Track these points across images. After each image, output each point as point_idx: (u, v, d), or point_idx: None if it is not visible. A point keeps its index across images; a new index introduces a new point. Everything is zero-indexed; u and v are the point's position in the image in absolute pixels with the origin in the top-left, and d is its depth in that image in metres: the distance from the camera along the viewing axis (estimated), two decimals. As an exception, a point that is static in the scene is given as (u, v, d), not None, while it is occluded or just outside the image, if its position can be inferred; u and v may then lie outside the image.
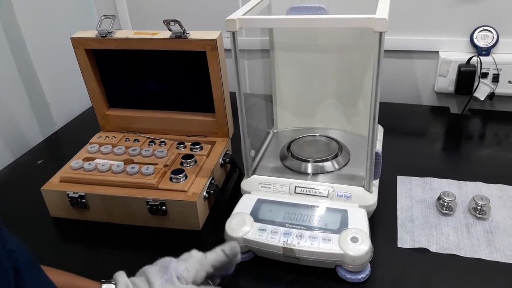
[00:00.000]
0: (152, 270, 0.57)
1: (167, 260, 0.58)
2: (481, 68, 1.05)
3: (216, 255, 0.60)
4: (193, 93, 0.91)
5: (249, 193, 0.75)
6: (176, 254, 0.60)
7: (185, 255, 0.60)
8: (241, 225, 0.68)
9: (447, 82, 1.10)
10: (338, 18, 0.60)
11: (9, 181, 0.95)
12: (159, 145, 0.89)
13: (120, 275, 0.57)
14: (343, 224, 0.66)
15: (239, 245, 0.66)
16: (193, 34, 0.80)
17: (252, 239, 0.66)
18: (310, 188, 0.72)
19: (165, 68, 0.90)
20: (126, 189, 0.77)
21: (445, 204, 0.76)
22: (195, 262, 0.58)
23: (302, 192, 0.72)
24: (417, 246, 0.70)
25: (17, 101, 1.08)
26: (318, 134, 0.87)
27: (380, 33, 0.57)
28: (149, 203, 0.74)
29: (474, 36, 1.05)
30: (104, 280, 0.56)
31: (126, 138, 0.92)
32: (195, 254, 0.59)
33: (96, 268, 0.70)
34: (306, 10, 0.71)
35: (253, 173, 0.77)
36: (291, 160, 0.79)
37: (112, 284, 0.55)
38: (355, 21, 0.59)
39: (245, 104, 0.70)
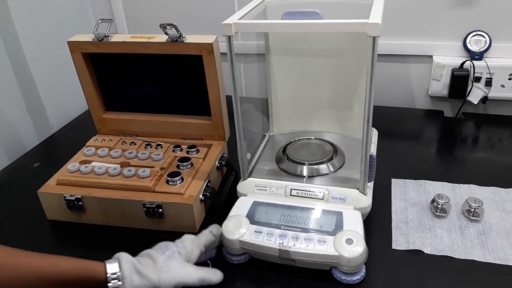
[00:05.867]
0: (153, 250, 0.62)
1: (165, 242, 0.64)
2: (474, 72, 1.06)
3: (206, 236, 0.67)
4: (189, 96, 0.91)
5: (245, 195, 0.75)
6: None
7: (179, 239, 0.65)
8: (237, 227, 0.68)
9: (441, 86, 1.11)
10: (332, 23, 0.61)
11: (5, 184, 0.95)
12: (156, 148, 0.89)
13: (123, 254, 0.60)
14: (338, 226, 0.67)
15: (236, 247, 0.67)
16: (190, 38, 0.81)
17: (248, 241, 0.66)
18: (306, 191, 0.73)
19: (162, 72, 0.90)
20: (123, 191, 0.77)
21: (439, 206, 0.76)
22: (190, 242, 0.64)
23: (298, 195, 0.73)
24: (411, 248, 0.70)
25: (14, 104, 1.08)
26: (313, 137, 0.88)
27: (374, 38, 0.58)
28: (146, 205, 0.75)
29: (467, 40, 1.07)
30: (107, 260, 0.59)
31: (123, 141, 0.92)
32: (188, 236, 0.65)
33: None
34: (301, 15, 0.71)
35: (249, 175, 0.78)
36: (287, 163, 0.80)
37: (115, 263, 0.58)
38: (349, 26, 0.60)
39: (241, 107, 0.71)
